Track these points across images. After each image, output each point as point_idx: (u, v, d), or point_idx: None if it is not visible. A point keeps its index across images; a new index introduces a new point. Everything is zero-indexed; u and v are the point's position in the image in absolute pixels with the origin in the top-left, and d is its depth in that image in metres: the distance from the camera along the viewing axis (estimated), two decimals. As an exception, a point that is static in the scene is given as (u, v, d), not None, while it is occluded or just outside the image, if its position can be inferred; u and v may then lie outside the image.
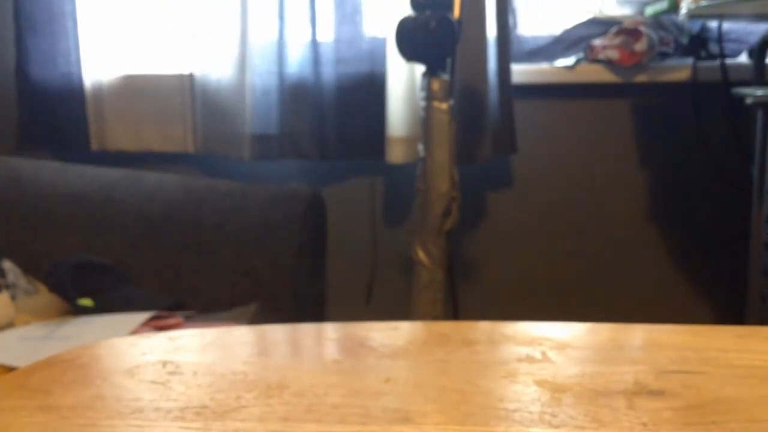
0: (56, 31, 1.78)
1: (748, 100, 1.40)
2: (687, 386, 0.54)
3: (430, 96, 1.42)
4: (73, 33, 1.78)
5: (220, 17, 1.72)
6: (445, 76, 1.42)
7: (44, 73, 1.81)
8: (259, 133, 1.72)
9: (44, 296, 1.42)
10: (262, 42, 1.71)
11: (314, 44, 1.69)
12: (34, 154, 1.83)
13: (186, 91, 1.79)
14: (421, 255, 1.46)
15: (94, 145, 1.82)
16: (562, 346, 0.62)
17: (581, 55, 1.72)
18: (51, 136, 1.83)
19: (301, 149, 1.71)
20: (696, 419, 0.50)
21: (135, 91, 1.81)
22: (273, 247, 1.52)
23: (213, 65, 1.75)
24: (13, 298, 1.39)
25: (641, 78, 1.70)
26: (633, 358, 0.61)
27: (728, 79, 1.66)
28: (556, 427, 0.49)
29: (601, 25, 1.73)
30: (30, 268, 1.49)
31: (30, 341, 1.22)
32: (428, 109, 1.42)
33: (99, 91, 1.80)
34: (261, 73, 1.71)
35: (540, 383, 0.55)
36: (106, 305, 1.37)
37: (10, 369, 1.09)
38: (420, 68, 1.48)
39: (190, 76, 1.78)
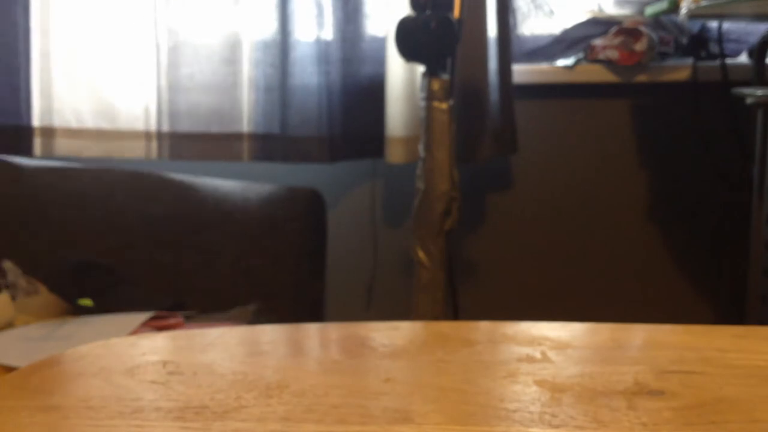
0: (4, 22, 1.66)
1: (748, 100, 1.40)
2: (687, 386, 0.54)
3: (430, 96, 1.42)
4: (24, 23, 1.65)
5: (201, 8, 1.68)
6: (445, 76, 1.42)
7: None
8: (255, 132, 1.72)
9: (44, 296, 1.42)
10: (258, 38, 1.70)
11: (316, 43, 1.69)
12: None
13: (151, 89, 1.68)
14: (421, 255, 1.46)
15: (38, 150, 1.69)
16: (562, 346, 0.62)
17: (581, 55, 1.72)
18: None
19: (300, 150, 1.71)
20: (696, 419, 0.50)
21: (90, 86, 1.67)
22: (273, 247, 1.52)
23: (186, 60, 1.68)
24: (13, 298, 1.39)
25: (641, 78, 1.70)
26: (633, 358, 0.61)
27: (728, 79, 1.66)
28: (556, 427, 0.49)
29: (601, 25, 1.73)
30: (30, 268, 1.49)
31: (30, 341, 1.22)
32: (428, 109, 1.42)
33: (47, 88, 1.67)
34: (257, 72, 1.70)
35: (540, 383, 0.55)
36: (106, 305, 1.37)
37: (10, 369, 1.09)
38: (420, 68, 1.48)
39: (155, 71, 1.67)
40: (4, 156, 1.71)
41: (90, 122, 1.70)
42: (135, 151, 1.71)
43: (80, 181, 1.65)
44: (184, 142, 1.70)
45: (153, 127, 1.70)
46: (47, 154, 1.70)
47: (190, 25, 1.69)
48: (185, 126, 1.70)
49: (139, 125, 1.70)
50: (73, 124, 1.70)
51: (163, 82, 1.68)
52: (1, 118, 1.70)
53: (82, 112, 1.69)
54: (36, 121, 1.69)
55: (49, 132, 1.70)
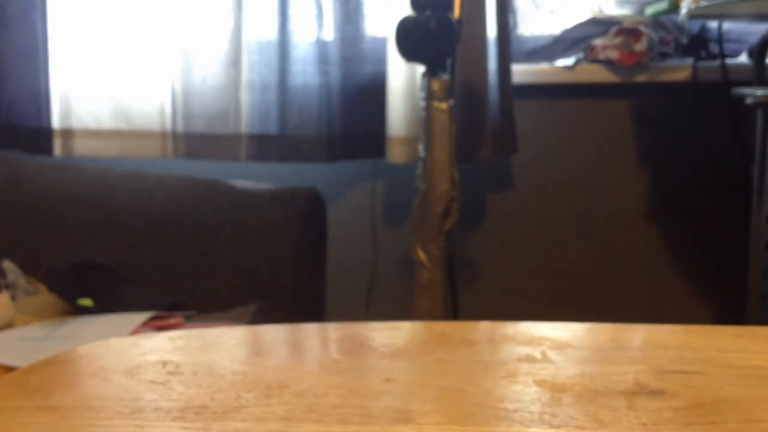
0: (24, 26, 1.71)
1: (748, 100, 1.40)
2: (687, 386, 0.54)
3: (430, 96, 1.42)
4: (42, 28, 1.70)
5: (212, 13, 1.69)
6: (445, 76, 1.42)
7: (8, 71, 1.73)
8: (257, 133, 1.72)
9: (44, 296, 1.42)
10: (260, 39, 1.70)
11: (316, 43, 1.69)
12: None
13: (166, 92, 1.72)
14: (421, 255, 1.46)
15: (58, 151, 1.73)
16: (562, 346, 0.62)
17: (581, 55, 1.72)
18: (12, 137, 1.75)
19: (301, 150, 1.71)
20: (696, 419, 0.50)
21: (107, 89, 1.72)
22: (273, 247, 1.52)
23: (198, 63, 1.70)
24: (13, 298, 1.39)
25: (641, 78, 1.70)
26: (633, 358, 0.61)
27: (728, 79, 1.66)
28: (556, 427, 0.49)
29: (601, 25, 1.73)
30: (30, 268, 1.49)
31: (30, 341, 1.22)
32: (428, 109, 1.42)
33: (66, 91, 1.72)
34: (259, 72, 1.70)
35: (540, 383, 0.55)
36: (106, 305, 1.37)
37: (10, 369, 1.09)
38: (420, 68, 1.48)
39: (170, 75, 1.71)
40: (5, 155, 1.71)
41: (107, 123, 1.74)
42: (151, 150, 1.74)
43: (80, 181, 1.65)
44: (198, 142, 1.73)
45: (168, 127, 1.74)
46: (67, 154, 1.75)
47: (201, 28, 1.70)
48: (199, 127, 1.73)
49: (155, 126, 1.74)
50: (91, 125, 1.75)
51: (178, 85, 1.72)
52: (23, 120, 1.75)
53: (100, 113, 1.74)
54: (56, 123, 1.74)
55: (68, 133, 1.75)
